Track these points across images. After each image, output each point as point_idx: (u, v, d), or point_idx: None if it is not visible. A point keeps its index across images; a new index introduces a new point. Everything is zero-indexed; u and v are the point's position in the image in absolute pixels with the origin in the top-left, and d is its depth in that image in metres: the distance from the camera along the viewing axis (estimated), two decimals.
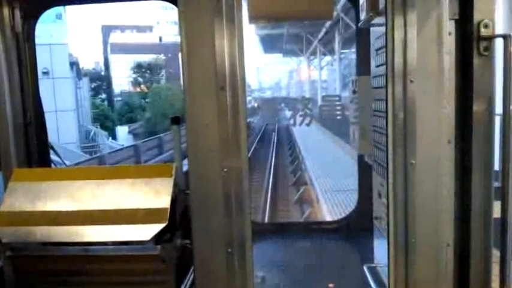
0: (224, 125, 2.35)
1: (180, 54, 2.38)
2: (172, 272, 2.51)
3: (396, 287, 2.45)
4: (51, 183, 2.58)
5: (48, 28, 27.86)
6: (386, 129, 2.41)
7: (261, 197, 15.80)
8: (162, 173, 2.52)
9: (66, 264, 2.55)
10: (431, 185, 2.37)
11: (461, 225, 2.44)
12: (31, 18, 3.12)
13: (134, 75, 65.04)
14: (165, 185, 2.47)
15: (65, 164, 4.27)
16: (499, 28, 2.35)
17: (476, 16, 2.31)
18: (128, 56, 67.68)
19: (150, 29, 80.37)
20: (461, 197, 2.43)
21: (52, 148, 3.45)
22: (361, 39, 4.27)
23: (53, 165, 3.50)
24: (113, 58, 70.67)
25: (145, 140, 32.13)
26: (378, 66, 3.44)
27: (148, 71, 64.70)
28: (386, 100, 2.39)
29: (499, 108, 2.33)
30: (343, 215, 6.25)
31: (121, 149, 28.48)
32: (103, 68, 70.60)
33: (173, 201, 2.45)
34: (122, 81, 67.43)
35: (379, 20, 3.26)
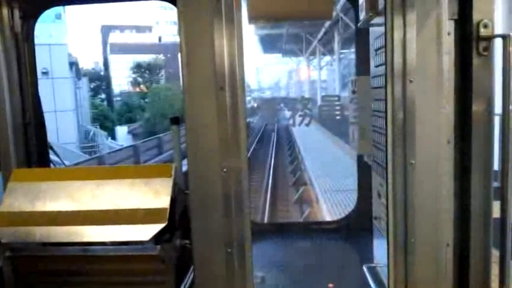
0: (224, 125, 2.35)
1: (179, 55, 2.38)
2: (171, 272, 2.51)
3: (396, 287, 2.45)
4: (50, 184, 2.58)
5: (48, 28, 27.83)
6: (386, 129, 2.41)
7: (261, 197, 15.80)
8: (161, 173, 2.52)
9: (65, 264, 2.55)
10: (430, 185, 2.37)
11: (461, 225, 2.44)
12: (30, 18, 3.12)
13: (134, 75, 65.00)
14: (165, 185, 2.47)
15: (64, 164, 4.27)
16: (498, 28, 2.35)
17: (476, 16, 2.31)
18: (127, 56, 67.65)
19: (149, 29, 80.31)
20: (460, 197, 2.44)
21: (51, 148, 3.45)
22: (360, 39, 4.27)
23: (52, 165, 3.50)
24: (113, 58, 70.62)
25: (145, 140, 32.09)
26: (377, 66, 3.44)
27: (147, 71, 64.64)
28: (386, 100, 2.39)
29: (498, 108, 2.33)
30: (343, 215, 6.25)
31: (120, 149, 28.44)
32: (102, 68, 70.55)
33: (173, 202, 2.45)
34: (122, 81, 67.36)
35: (379, 20, 3.26)
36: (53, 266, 2.56)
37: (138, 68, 64.48)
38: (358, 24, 3.87)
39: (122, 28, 77.95)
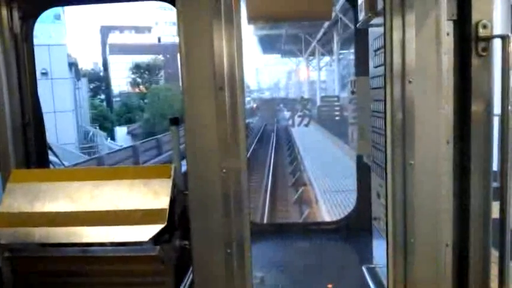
0: (223, 125, 2.35)
1: (178, 55, 2.38)
2: (171, 273, 2.51)
3: (395, 287, 2.45)
4: (49, 184, 2.58)
5: (47, 29, 27.82)
6: (385, 130, 2.41)
7: (260, 197, 15.80)
8: (160, 174, 2.52)
9: (65, 265, 2.55)
10: (430, 186, 2.37)
11: (460, 226, 2.44)
12: (30, 18, 3.11)
13: (133, 76, 64.99)
14: (164, 186, 2.47)
15: (63, 164, 4.27)
16: (498, 28, 2.35)
17: (475, 16, 2.32)
18: (126, 56, 67.65)
19: (148, 29, 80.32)
20: (460, 197, 2.44)
21: (50, 149, 3.44)
22: (359, 39, 4.27)
23: (51, 166, 3.49)
24: (112, 59, 70.63)
25: (144, 140, 32.08)
26: (376, 66, 3.44)
27: (147, 72, 64.64)
28: (385, 100, 2.40)
29: (497, 108, 2.33)
30: (342, 216, 6.25)
31: (120, 150, 28.42)
32: (102, 68, 70.57)
33: (172, 202, 2.45)
34: (121, 81, 67.34)
35: (378, 20, 3.26)
36: (52, 266, 2.56)
37: (137, 68, 64.47)
38: (357, 25, 3.87)
39: (121, 29, 77.95)
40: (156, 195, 2.45)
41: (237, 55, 2.33)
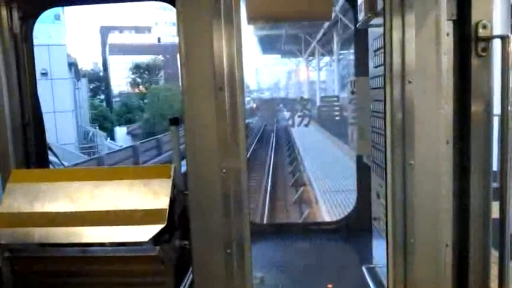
0: (223, 125, 2.35)
1: (178, 55, 2.38)
2: (171, 273, 2.50)
3: (395, 287, 2.45)
4: (49, 184, 2.58)
5: (47, 29, 27.81)
6: (385, 130, 2.41)
7: (260, 197, 15.81)
8: (160, 174, 2.52)
9: (64, 265, 2.55)
10: (430, 186, 2.37)
11: (460, 226, 2.44)
12: (29, 19, 3.11)
13: (133, 76, 65.01)
14: (164, 186, 2.47)
15: (63, 165, 4.26)
16: (497, 29, 2.35)
17: (474, 17, 2.32)
18: (126, 56, 67.67)
19: (148, 29, 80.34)
20: (459, 198, 2.44)
21: (50, 149, 3.44)
22: (359, 40, 4.27)
23: (51, 166, 3.49)
24: (112, 59, 70.66)
25: (144, 140, 32.08)
26: (376, 67, 3.44)
27: (146, 72, 64.68)
28: (385, 101, 2.40)
29: (497, 108, 2.33)
30: (342, 216, 6.25)
31: (120, 150, 28.42)
32: (101, 68, 70.60)
33: (172, 202, 2.45)
34: (121, 82, 67.39)
35: (377, 20, 3.26)
36: (52, 267, 2.56)
37: (137, 68, 64.52)
38: (357, 25, 3.87)
39: (121, 29, 77.99)
40: (156, 195, 2.45)
41: (236, 55, 2.33)
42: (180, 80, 2.42)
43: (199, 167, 2.39)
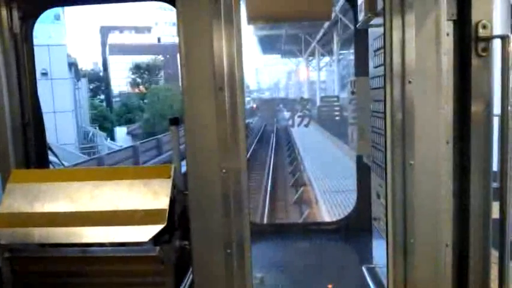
0: (223, 125, 2.35)
1: (178, 55, 2.38)
2: (171, 273, 2.50)
3: (395, 287, 2.45)
4: (49, 185, 2.58)
5: (47, 29, 27.80)
6: (385, 130, 2.41)
7: (260, 197, 15.80)
8: (160, 174, 2.52)
9: (64, 265, 2.55)
10: (430, 186, 2.37)
11: (460, 226, 2.44)
12: (29, 19, 3.11)
13: (133, 76, 65.02)
14: (164, 186, 2.47)
15: (63, 165, 4.26)
16: (497, 29, 2.35)
17: (474, 17, 2.32)
18: (126, 57, 67.68)
19: (148, 30, 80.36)
20: (460, 198, 2.44)
21: (50, 149, 3.44)
22: (359, 40, 4.27)
23: (51, 166, 3.49)
24: (112, 59, 70.67)
25: (144, 140, 32.08)
26: (376, 67, 3.44)
27: (146, 72, 64.69)
28: (385, 101, 2.40)
29: (497, 108, 2.33)
30: (342, 216, 6.25)
31: (120, 150, 28.41)
32: (101, 68, 70.63)
33: (172, 202, 2.45)
34: (121, 82, 67.40)
35: (378, 20, 3.26)
36: (52, 267, 2.56)
37: (137, 68, 64.54)
38: (357, 25, 3.87)
39: (121, 29, 78.01)
40: (156, 196, 2.44)
41: (236, 55, 2.33)
42: (180, 80, 2.42)
43: (199, 167, 2.39)
